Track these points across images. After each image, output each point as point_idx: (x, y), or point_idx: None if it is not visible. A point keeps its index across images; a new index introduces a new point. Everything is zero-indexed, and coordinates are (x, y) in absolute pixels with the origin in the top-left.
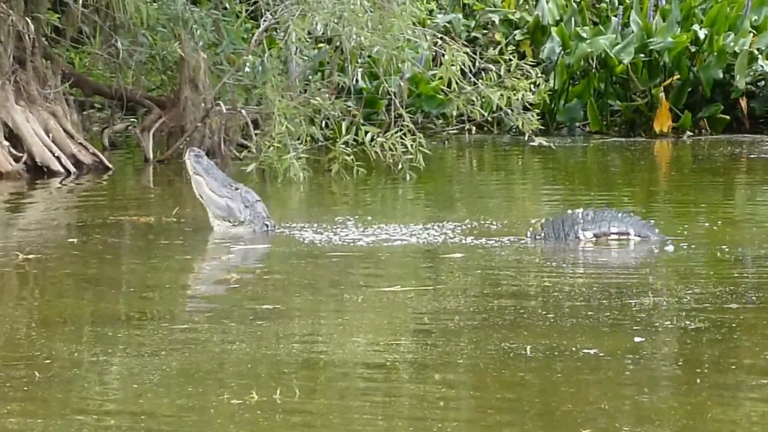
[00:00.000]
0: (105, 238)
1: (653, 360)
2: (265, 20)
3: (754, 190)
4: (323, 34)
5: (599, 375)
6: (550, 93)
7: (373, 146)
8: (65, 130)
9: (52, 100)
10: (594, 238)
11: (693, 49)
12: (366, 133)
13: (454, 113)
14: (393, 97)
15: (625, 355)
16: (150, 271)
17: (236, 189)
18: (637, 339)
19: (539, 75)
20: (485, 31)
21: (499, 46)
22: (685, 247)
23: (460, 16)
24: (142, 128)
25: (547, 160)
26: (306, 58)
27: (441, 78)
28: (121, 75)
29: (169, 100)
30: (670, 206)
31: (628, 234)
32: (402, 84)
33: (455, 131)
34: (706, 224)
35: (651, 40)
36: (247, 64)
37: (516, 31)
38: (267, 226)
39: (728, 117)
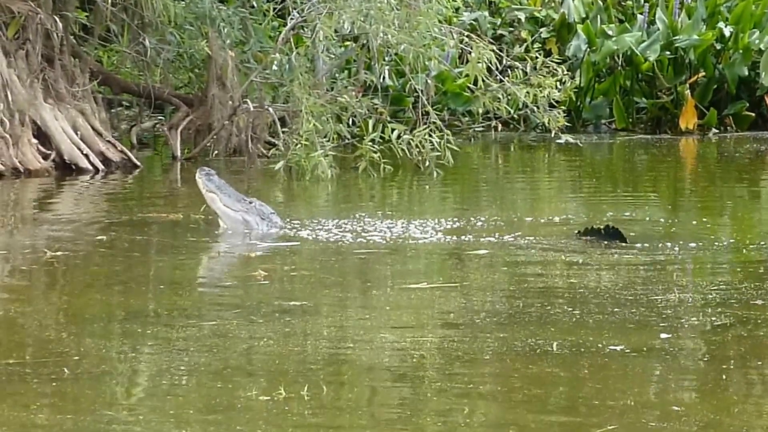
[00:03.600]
0: (133, 236)
1: (679, 356)
2: (292, 18)
3: None
4: (350, 32)
5: (625, 371)
6: (576, 90)
7: (400, 144)
8: (93, 128)
9: (81, 98)
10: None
11: (718, 46)
12: (393, 130)
13: (481, 110)
14: (420, 94)
15: (651, 351)
16: (178, 267)
17: (250, 203)
18: (663, 335)
19: (565, 72)
20: (511, 29)
21: (525, 44)
22: (710, 243)
23: (486, 13)
24: (169, 126)
25: (574, 157)
26: (333, 56)
27: (467, 75)
28: (149, 73)
29: (197, 98)
30: (696, 203)
31: None
32: (428, 81)
33: (481, 128)
34: (732, 221)
35: (676, 37)
36: (275, 62)
37: (542, 29)
38: None
39: (753, 114)
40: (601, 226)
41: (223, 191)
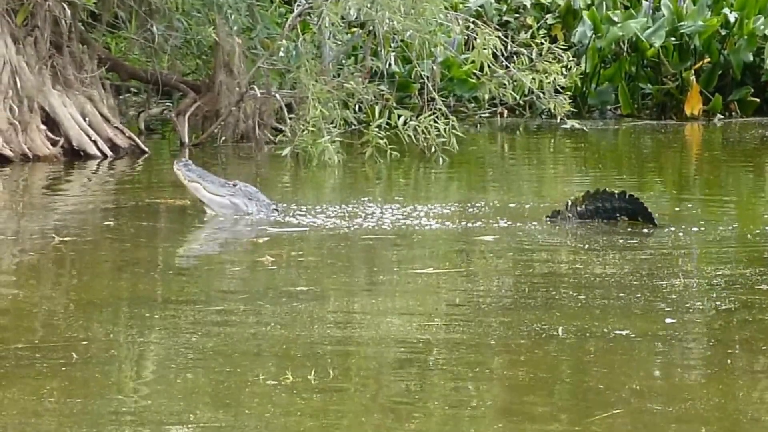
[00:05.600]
0: (140, 221)
1: (684, 341)
2: (298, 5)
3: None
4: (356, 18)
5: (631, 356)
6: (582, 76)
7: (406, 130)
8: (102, 114)
9: (89, 84)
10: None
11: (723, 32)
12: (399, 116)
13: (486, 97)
14: (425, 80)
15: (656, 336)
16: (185, 253)
17: (234, 185)
18: (668, 320)
19: (571, 58)
20: (517, 15)
21: (531, 30)
22: (715, 228)
23: (492, 0)
24: (177, 112)
25: (579, 143)
26: (339, 42)
27: (473, 62)
28: (157, 59)
29: (204, 85)
30: (701, 188)
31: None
32: (434, 68)
33: (487, 115)
34: (737, 206)
35: (682, 23)
36: (282, 48)
37: (548, 15)
38: (276, 211)
39: (758, 100)
40: (615, 191)
41: (205, 179)
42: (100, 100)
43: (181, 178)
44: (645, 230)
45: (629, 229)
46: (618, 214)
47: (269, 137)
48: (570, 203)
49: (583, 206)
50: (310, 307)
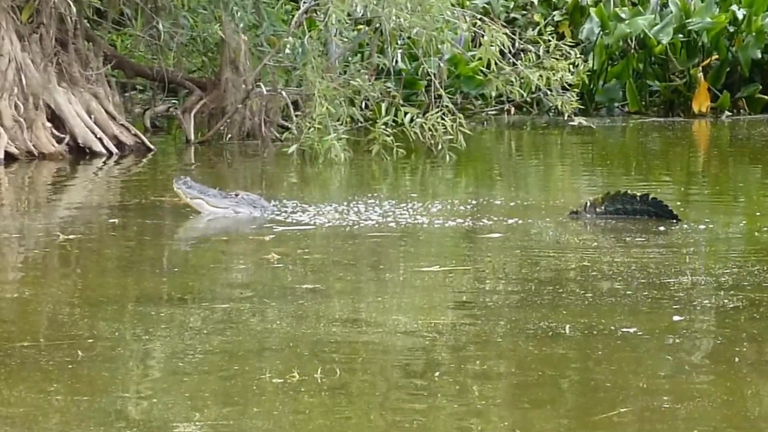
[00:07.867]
0: (146, 219)
1: (692, 338)
2: (305, 2)
3: None
4: (363, 15)
5: (638, 353)
6: (589, 73)
7: (413, 127)
8: (107, 112)
9: (94, 81)
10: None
11: (731, 29)
12: (405, 114)
13: (493, 94)
14: (432, 78)
15: (663, 333)
16: (191, 251)
17: (236, 195)
18: (675, 318)
19: (578, 55)
20: (524, 12)
21: (538, 27)
22: (723, 226)
23: None
24: (183, 110)
25: (587, 140)
26: (346, 39)
27: (480, 59)
28: (163, 57)
29: (210, 82)
30: (708, 185)
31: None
32: (441, 65)
33: (494, 112)
34: (744, 203)
35: (689, 20)
36: (288, 45)
37: (555, 12)
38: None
39: (766, 97)
40: (638, 194)
41: (206, 194)
42: (106, 97)
43: (183, 197)
44: (653, 228)
45: (635, 227)
46: (639, 217)
47: (275, 135)
48: (588, 204)
49: (603, 207)
50: (316, 304)
